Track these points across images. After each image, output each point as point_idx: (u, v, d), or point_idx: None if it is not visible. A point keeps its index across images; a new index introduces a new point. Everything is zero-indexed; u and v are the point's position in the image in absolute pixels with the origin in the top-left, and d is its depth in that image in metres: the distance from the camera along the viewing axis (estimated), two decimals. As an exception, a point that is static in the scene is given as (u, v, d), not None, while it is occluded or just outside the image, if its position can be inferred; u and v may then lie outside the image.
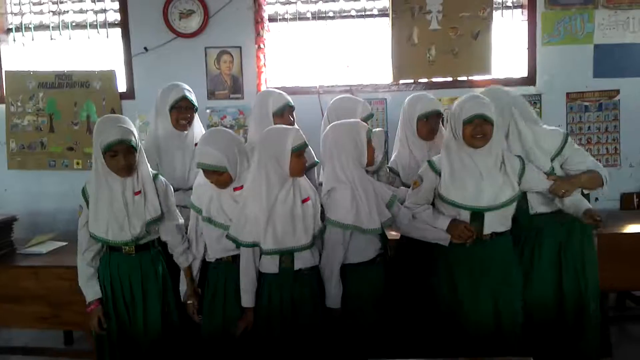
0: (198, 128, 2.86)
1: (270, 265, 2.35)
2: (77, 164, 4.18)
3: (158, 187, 2.48)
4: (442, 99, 3.95)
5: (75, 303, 2.75)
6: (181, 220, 2.55)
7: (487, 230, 2.44)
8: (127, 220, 2.38)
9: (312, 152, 2.86)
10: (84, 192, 2.45)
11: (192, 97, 2.78)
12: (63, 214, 4.15)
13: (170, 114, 2.73)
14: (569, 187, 2.46)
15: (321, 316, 2.43)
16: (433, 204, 2.54)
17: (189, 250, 2.53)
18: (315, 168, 2.86)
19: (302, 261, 2.37)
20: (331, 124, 2.54)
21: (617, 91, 3.98)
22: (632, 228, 3.24)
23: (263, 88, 3.99)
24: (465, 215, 2.43)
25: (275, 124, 2.70)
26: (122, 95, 4.13)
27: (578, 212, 2.46)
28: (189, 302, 2.53)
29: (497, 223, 2.45)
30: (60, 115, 4.15)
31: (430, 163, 2.51)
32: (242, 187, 2.38)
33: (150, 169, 2.50)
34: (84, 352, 3.21)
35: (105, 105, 4.11)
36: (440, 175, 2.45)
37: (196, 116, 2.83)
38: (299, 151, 2.32)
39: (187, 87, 2.80)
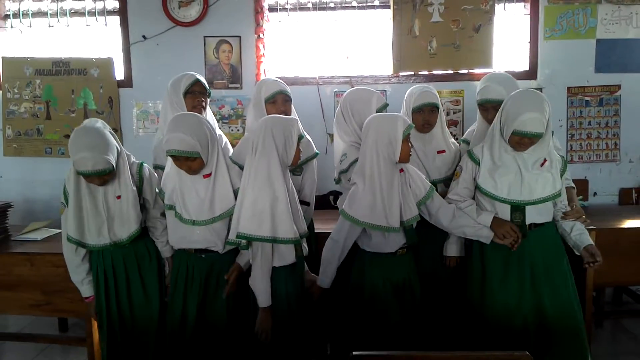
0: (210, 117, 2.84)
1: (289, 255, 2.33)
2: (73, 152, 4.16)
3: (143, 180, 2.48)
4: (442, 91, 3.95)
5: (70, 290, 2.73)
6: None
7: (528, 221, 2.41)
8: (105, 224, 2.38)
9: (312, 143, 2.85)
10: (64, 190, 2.44)
11: (204, 81, 2.80)
12: (58, 201, 4.06)
13: (185, 100, 2.72)
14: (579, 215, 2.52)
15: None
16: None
17: None
18: (315, 160, 2.83)
19: (304, 249, 2.42)
20: (372, 116, 2.47)
21: (619, 86, 3.97)
22: (629, 223, 3.23)
23: (262, 78, 3.97)
24: (504, 209, 2.41)
25: (268, 111, 2.66)
26: (120, 83, 4.10)
27: (579, 244, 2.47)
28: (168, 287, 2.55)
29: (537, 215, 2.42)
30: (57, 103, 4.12)
31: (469, 153, 2.51)
32: (210, 174, 2.35)
33: (133, 160, 2.50)
34: (79, 339, 3.20)
35: (103, 93, 4.08)
36: (479, 165, 2.44)
37: (208, 108, 2.83)
38: (300, 140, 2.34)
39: (197, 74, 2.81)
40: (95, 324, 2.72)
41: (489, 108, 2.64)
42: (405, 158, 2.35)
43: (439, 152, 2.73)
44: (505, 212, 2.42)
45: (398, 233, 2.38)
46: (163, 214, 2.52)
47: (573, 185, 2.71)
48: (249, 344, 2.39)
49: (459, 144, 2.86)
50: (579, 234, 2.49)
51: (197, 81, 2.75)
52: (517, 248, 2.40)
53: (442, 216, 2.47)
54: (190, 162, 2.28)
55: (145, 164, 2.53)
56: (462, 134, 3.94)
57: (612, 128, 4.01)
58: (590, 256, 2.43)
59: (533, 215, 2.42)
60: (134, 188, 2.44)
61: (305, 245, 2.43)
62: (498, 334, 2.43)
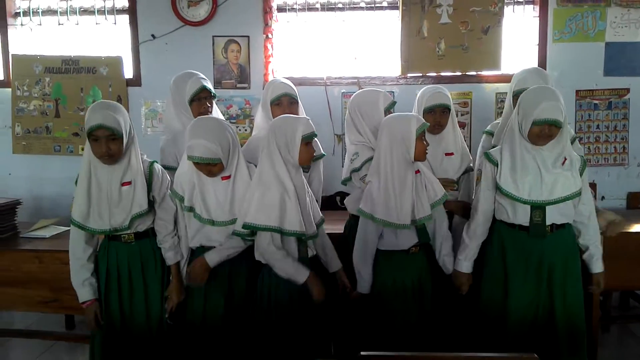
0: (216, 114, 2.82)
1: (293, 252, 2.35)
2: (82, 149, 4.13)
3: (153, 175, 2.43)
4: (450, 93, 3.91)
5: (77, 288, 2.74)
6: (174, 214, 2.49)
7: (548, 221, 2.40)
8: (108, 209, 2.33)
9: (319, 144, 2.86)
10: (76, 182, 2.41)
11: (209, 85, 2.73)
12: (67, 199, 4.06)
13: (191, 106, 2.67)
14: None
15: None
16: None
17: (178, 247, 2.47)
18: (322, 160, 2.85)
19: (311, 250, 2.42)
20: (387, 117, 2.52)
21: (627, 90, 3.95)
22: (637, 227, 3.21)
23: (270, 78, 3.98)
24: (524, 209, 2.39)
25: (273, 113, 2.68)
26: (129, 82, 4.12)
27: (589, 265, 2.50)
28: (167, 297, 2.47)
29: (558, 215, 2.41)
30: (66, 101, 4.14)
31: (487, 155, 2.50)
32: (229, 176, 2.36)
33: (145, 158, 2.46)
34: (85, 337, 3.20)
35: (112, 91, 4.10)
36: (497, 166, 2.43)
37: (214, 104, 2.79)
38: (308, 140, 2.33)
39: (201, 75, 2.74)
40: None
41: None
42: (420, 156, 2.38)
43: (447, 154, 2.73)
44: (525, 212, 2.40)
45: (410, 231, 2.40)
46: (168, 217, 2.47)
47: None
48: (252, 342, 2.40)
49: (482, 136, 2.89)
50: (594, 259, 2.51)
51: (203, 88, 2.68)
52: (538, 249, 2.41)
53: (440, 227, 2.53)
54: (211, 167, 2.30)
55: (157, 163, 2.51)
56: (470, 136, 3.96)
57: (621, 132, 3.99)
58: (596, 284, 2.51)
59: (554, 215, 2.40)
60: (144, 178, 2.40)
61: (312, 248, 2.44)
62: (514, 335, 2.43)
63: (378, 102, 2.66)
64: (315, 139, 2.81)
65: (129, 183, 2.35)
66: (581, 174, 2.42)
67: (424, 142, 2.39)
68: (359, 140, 2.68)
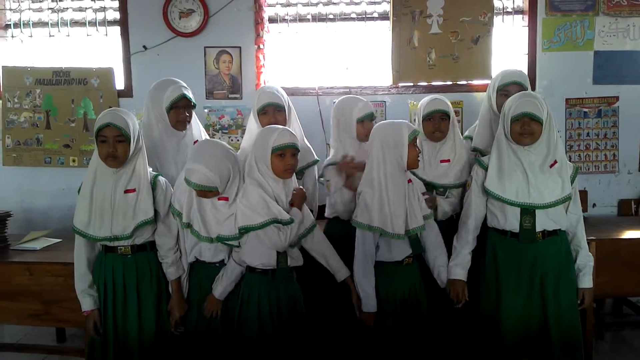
0: (196, 125, 2.80)
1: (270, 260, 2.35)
2: (73, 161, 4.15)
3: (157, 187, 2.41)
4: (441, 102, 3.96)
5: (69, 300, 2.71)
6: (177, 228, 2.48)
7: (539, 227, 2.40)
8: (110, 217, 2.32)
9: (312, 150, 2.87)
10: (79, 191, 2.40)
11: (190, 94, 2.68)
12: (57, 211, 4.12)
13: (169, 114, 2.62)
14: None
15: (305, 316, 2.45)
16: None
17: (179, 262, 2.46)
18: (316, 166, 2.86)
19: (294, 260, 2.40)
20: (377, 124, 2.52)
21: (617, 98, 3.99)
22: (629, 234, 3.23)
23: (260, 88, 3.98)
24: (514, 213, 2.40)
25: (260, 122, 2.69)
26: (120, 93, 4.11)
27: (577, 277, 2.50)
28: (170, 311, 2.47)
29: (549, 221, 2.41)
30: (57, 112, 4.12)
31: (478, 161, 2.52)
32: (227, 198, 2.34)
33: (150, 169, 2.45)
34: (77, 350, 3.18)
35: (103, 102, 4.08)
36: (487, 170, 2.45)
37: (193, 113, 2.75)
38: (280, 151, 2.29)
39: (182, 83, 2.70)
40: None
41: (509, 92, 2.67)
42: (413, 163, 2.38)
43: (442, 161, 2.73)
44: (515, 217, 2.41)
45: (403, 242, 2.39)
46: (172, 232, 2.45)
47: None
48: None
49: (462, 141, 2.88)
50: (581, 273, 2.50)
51: (183, 97, 2.62)
52: (530, 256, 2.41)
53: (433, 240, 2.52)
54: (206, 192, 2.31)
55: (161, 176, 2.47)
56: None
57: (611, 139, 4.02)
58: (581, 299, 2.51)
59: (544, 221, 2.40)
60: (149, 182, 2.39)
61: (297, 259, 2.42)
62: (508, 343, 2.43)
63: (352, 109, 2.68)
64: (309, 144, 2.83)
65: (133, 190, 2.35)
66: (572, 181, 2.43)
67: (417, 149, 2.39)
68: (333, 145, 2.76)
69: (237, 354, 2.37)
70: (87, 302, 2.41)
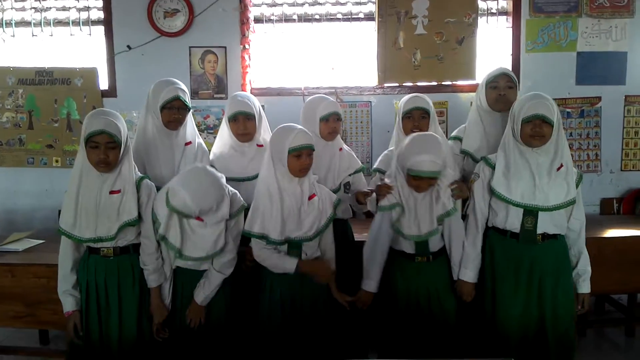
0: (190, 126, 2.80)
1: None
2: (56, 161, 4.12)
3: (142, 190, 2.39)
4: (426, 102, 3.98)
5: (51, 302, 2.69)
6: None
7: (540, 230, 2.40)
8: (95, 218, 2.31)
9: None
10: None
11: (186, 97, 2.68)
12: (40, 212, 4.08)
13: (162, 113, 2.61)
14: None
15: (325, 310, 2.47)
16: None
17: (162, 269, 2.43)
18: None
19: (309, 252, 2.44)
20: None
21: (599, 98, 4.03)
22: (611, 233, 3.28)
23: (248, 88, 3.97)
24: (516, 214, 2.41)
25: (231, 128, 2.75)
26: (104, 93, 4.09)
27: (576, 282, 2.52)
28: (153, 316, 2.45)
29: (550, 224, 2.41)
30: (39, 112, 4.09)
31: (485, 159, 2.51)
32: (202, 220, 2.34)
33: (136, 171, 2.43)
34: (60, 352, 3.15)
35: (86, 102, 4.05)
36: (494, 169, 2.45)
37: (189, 114, 2.76)
38: (297, 152, 2.33)
39: (181, 85, 2.70)
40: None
41: (499, 83, 2.70)
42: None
43: None
44: (517, 217, 2.41)
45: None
46: (153, 235, 2.41)
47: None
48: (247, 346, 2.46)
49: (449, 142, 2.87)
50: (581, 279, 2.52)
51: (177, 98, 2.61)
52: (528, 258, 2.42)
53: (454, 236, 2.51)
54: (186, 217, 2.32)
55: (147, 179, 2.45)
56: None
57: (593, 139, 4.07)
58: (581, 304, 2.54)
59: (546, 224, 2.41)
60: (134, 184, 2.37)
61: (314, 252, 2.47)
62: (509, 344, 2.43)
63: (317, 109, 2.72)
64: None
65: (118, 192, 2.33)
66: (577, 186, 2.43)
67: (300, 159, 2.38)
68: None
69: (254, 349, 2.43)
70: (68, 303, 2.40)
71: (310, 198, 2.42)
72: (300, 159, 2.33)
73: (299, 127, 2.43)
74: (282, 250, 2.40)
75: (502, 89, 2.68)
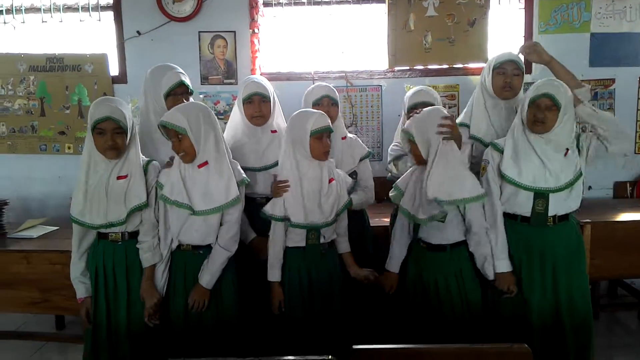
0: None
1: (298, 239, 2.44)
2: (69, 148, 4.14)
3: (149, 173, 2.41)
4: (438, 86, 3.96)
5: (66, 288, 2.71)
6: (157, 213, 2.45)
7: (552, 212, 2.39)
8: (105, 204, 2.32)
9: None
10: None
11: (187, 80, 2.68)
12: (54, 199, 4.12)
13: (166, 100, 2.60)
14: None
15: (339, 294, 2.51)
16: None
17: (157, 248, 2.41)
18: None
19: (327, 235, 2.47)
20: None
21: (613, 80, 3.98)
22: (624, 216, 3.26)
23: (257, 73, 3.96)
24: (526, 195, 2.39)
25: (245, 111, 2.72)
26: (114, 79, 4.09)
27: None
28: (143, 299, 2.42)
29: (562, 205, 2.40)
30: (51, 99, 4.11)
31: (493, 144, 2.50)
32: (206, 162, 2.34)
33: (142, 156, 2.44)
34: (76, 337, 3.20)
35: (97, 89, 4.06)
36: (503, 153, 2.43)
37: (191, 99, 2.74)
38: (318, 134, 2.37)
39: (179, 69, 2.68)
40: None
41: (506, 70, 2.65)
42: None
43: None
44: (528, 201, 2.39)
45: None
46: (152, 214, 2.43)
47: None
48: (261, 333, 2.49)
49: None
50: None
51: (181, 83, 2.63)
52: (540, 241, 2.41)
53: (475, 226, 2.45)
54: (178, 140, 2.32)
55: (155, 161, 2.47)
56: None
57: (607, 122, 4.02)
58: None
59: (558, 205, 2.39)
60: (142, 168, 2.40)
61: (330, 235, 2.49)
62: (527, 331, 2.41)
63: (310, 94, 2.78)
64: None
65: (125, 177, 2.35)
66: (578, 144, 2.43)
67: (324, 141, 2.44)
68: None
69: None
70: (79, 289, 2.44)
71: (330, 181, 2.45)
72: (322, 141, 2.37)
73: (317, 111, 2.46)
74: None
75: (509, 75, 2.64)
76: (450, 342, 2.26)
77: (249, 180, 2.48)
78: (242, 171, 2.47)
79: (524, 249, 2.44)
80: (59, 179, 4.13)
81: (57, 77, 4.09)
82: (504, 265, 2.40)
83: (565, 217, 2.43)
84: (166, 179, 2.39)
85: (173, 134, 2.31)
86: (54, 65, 4.08)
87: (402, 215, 2.48)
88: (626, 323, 3.62)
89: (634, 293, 3.71)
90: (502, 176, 2.43)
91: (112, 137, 2.28)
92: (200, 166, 2.35)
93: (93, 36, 4.18)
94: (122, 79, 4.09)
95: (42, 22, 4.15)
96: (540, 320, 2.42)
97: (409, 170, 2.52)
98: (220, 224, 2.41)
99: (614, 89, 3.99)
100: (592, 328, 2.49)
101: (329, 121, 2.42)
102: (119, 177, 2.34)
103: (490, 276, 2.41)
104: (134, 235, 2.42)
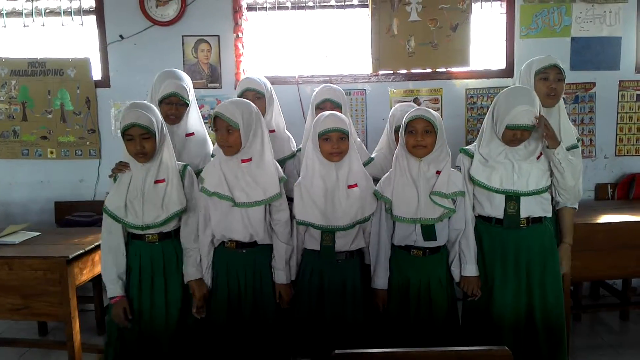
0: (194, 117, 2.82)
1: (312, 242, 2.47)
2: (51, 153, 4.10)
3: (186, 177, 2.48)
4: (421, 90, 3.99)
5: (48, 294, 2.72)
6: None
7: (524, 213, 2.41)
8: (141, 206, 2.38)
9: (293, 141, 2.86)
10: (112, 178, 2.47)
11: (184, 92, 2.72)
12: (36, 204, 4.08)
13: (160, 106, 2.67)
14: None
15: (356, 302, 2.48)
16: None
17: (199, 265, 2.48)
18: (299, 155, 2.85)
19: (342, 242, 2.44)
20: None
21: (593, 84, 4.03)
22: (605, 218, 3.29)
23: (241, 77, 3.96)
24: (499, 200, 2.41)
25: None
26: (97, 84, 4.06)
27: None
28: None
29: (535, 207, 2.42)
30: (33, 104, 4.07)
31: (464, 150, 2.53)
32: (250, 159, 2.38)
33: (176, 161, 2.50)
34: (58, 343, 3.17)
35: (80, 93, 4.03)
36: (472, 158, 2.46)
37: (194, 106, 2.79)
38: (325, 135, 2.37)
39: (182, 78, 2.75)
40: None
41: (549, 75, 2.59)
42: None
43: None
44: (500, 204, 2.42)
45: (409, 226, 2.42)
46: (194, 221, 2.48)
47: (576, 206, 2.63)
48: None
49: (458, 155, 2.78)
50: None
51: (173, 95, 2.69)
52: (514, 243, 2.44)
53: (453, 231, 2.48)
54: (228, 134, 2.35)
55: (189, 166, 2.54)
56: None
57: (588, 125, 4.08)
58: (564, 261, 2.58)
59: (530, 207, 2.42)
60: (180, 175, 2.46)
61: (340, 241, 2.47)
62: (500, 333, 2.44)
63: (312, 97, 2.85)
64: (289, 134, 2.83)
65: (163, 180, 2.41)
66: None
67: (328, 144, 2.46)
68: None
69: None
70: (116, 288, 2.43)
71: (350, 187, 2.42)
72: (329, 142, 2.37)
73: (333, 112, 2.49)
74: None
75: (552, 81, 2.57)
76: (430, 346, 2.30)
77: (286, 177, 2.53)
78: (281, 169, 2.52)
79: (498, 251, 2.47)
80: (41, 183, 4.09)
81: (39, 82, 4.05)
82: (472, 269, 2.45)
83: (539, 220, 2.46)
84: (207, 173, 2.45)
85: (224, 125, 2.34)
86: (36, 69, 4.05)
87: (387, 225, 2.46)
88: (609, 323, 3.66)
89: (616, 294, 3.75)
90: (472, 180, 2.46)
91: (140, 142, 2.34)
92: (244, 161, 2.39)
93: (75, 40, 4.16)
94: (105, 83, 4.06)
95: (24, 26, 4.12)
96: (513, 321, 2.45)
97: (385, 175, 2.50)
98: (270, 224, 2.47)
99: (595, 92, 4.04)
100: (564, 328, 2.52)
101: (339, 123, 2.38)
102: (156, 182, 2.40)
103: (456, 278, 2.49)
104: (168, 235, 2.47)
